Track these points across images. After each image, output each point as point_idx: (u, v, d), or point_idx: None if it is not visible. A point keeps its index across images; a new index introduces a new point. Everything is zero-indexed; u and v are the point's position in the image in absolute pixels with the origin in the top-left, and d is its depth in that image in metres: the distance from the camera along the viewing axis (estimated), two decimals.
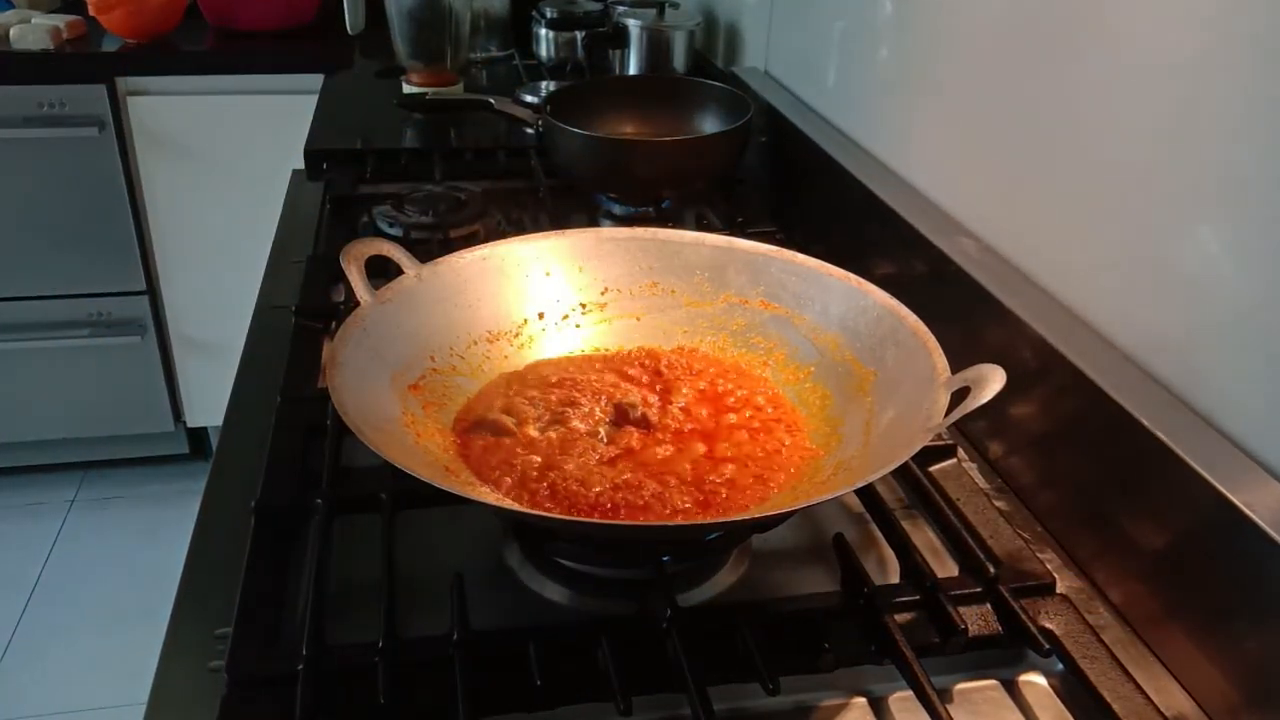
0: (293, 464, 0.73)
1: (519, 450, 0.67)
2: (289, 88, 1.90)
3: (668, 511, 0.62)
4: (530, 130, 1.45)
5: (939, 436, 0.77)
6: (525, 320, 0.79)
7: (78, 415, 2.15)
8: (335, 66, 1.84)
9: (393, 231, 1.08)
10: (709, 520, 0.62)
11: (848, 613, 0.61)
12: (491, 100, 1.55)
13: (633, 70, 1.57)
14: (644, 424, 0.70)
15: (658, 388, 0.75)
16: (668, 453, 0.68)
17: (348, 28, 1.67)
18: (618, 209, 1.20)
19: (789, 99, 1.29)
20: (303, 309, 0.93)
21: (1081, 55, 0.73)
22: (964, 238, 0.86)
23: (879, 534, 0.69)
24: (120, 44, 1.92)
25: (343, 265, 0.71)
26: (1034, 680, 0.61)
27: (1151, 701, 0.55)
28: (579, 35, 1.69)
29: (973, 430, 0.81)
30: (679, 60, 1.57)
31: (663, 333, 0.81)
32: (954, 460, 0.76)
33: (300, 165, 1.34)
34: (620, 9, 1.60)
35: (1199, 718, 0.58)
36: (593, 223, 1.18)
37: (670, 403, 0.73)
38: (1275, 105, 0.57)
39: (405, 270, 0.74)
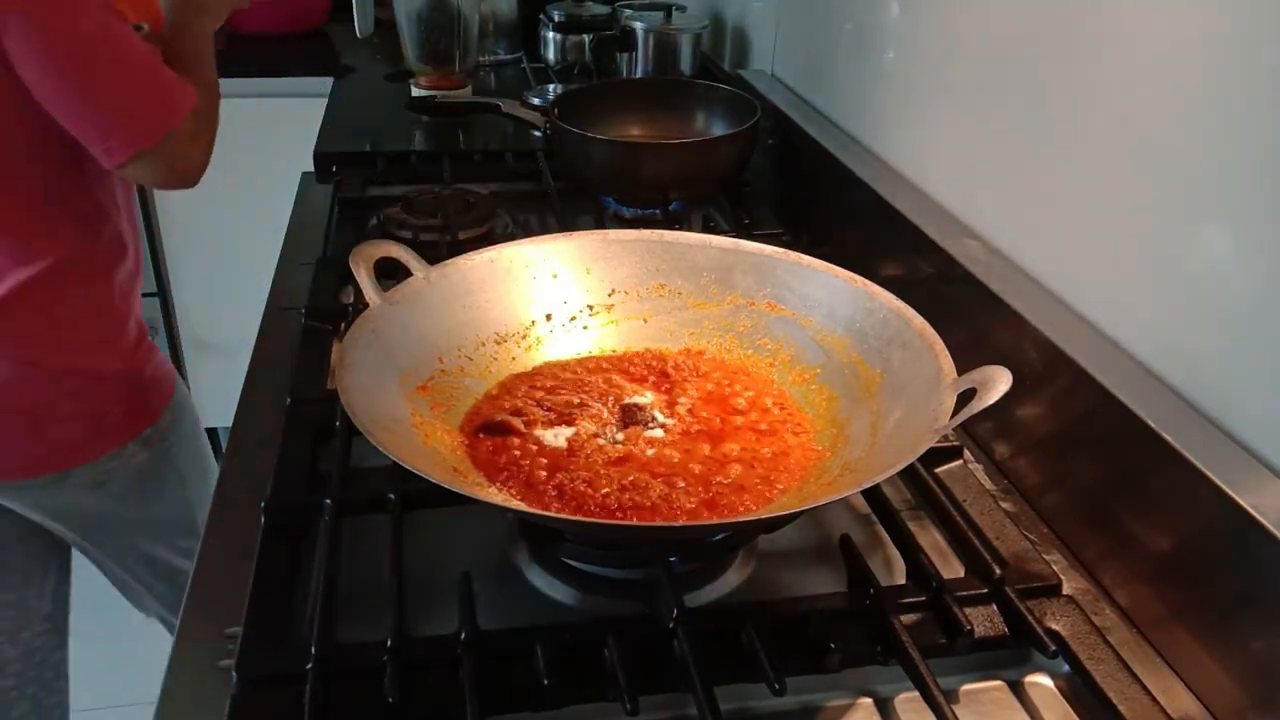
0: (302, 465, 0.73)
1: (527, 451, 0.68)
2: (298, 91, 1.91)
3: (675, 512, 0.62)
4: (538, 133, 1.45)
5: (945, 438, 0.77)
6: (533, 322, 0.79)
7: None
8: (344, 70, 1.85)
9: (402, 233, 1.09)
10: (716, 521, 0.63)
11: (854, 613, 0.61)
12: (500, 103, 1.56)
13: (640, 73, 1.58)
14: (651, 425, 0.70)
15: (664, 389, 0.75)
16: (675, 454, 0.68)
17: (356, 31, 1.68)
18: (625, 211, 1.20)
19: (796, 101, 1.29)
20: (312, 311, 0.93)
21: (1087, 58, 0.73)
22: (970, 240, 0.86)
23: (885, 535, 0.69)
24: None
25: (352, 267, 0.71)
26: (1040, 681, 0.61)
27: (1157, 703, 0.55)
28: (586, 38, 1.69)
29: (979, 432, 0.81)
30: (686, 63, 1.57)
31: (669, 334, 0.81)
32: (960, 461, 0.76)
33: (309, 168, 1.34)
34: (627, 12, 1.61)
35: (1205, 719, 0.58)
36: (600, 225, 1.18)
37: (677, 404, 0.73)
38: (1278, 105, 0.57)
39: (414, 272, 0.74)
